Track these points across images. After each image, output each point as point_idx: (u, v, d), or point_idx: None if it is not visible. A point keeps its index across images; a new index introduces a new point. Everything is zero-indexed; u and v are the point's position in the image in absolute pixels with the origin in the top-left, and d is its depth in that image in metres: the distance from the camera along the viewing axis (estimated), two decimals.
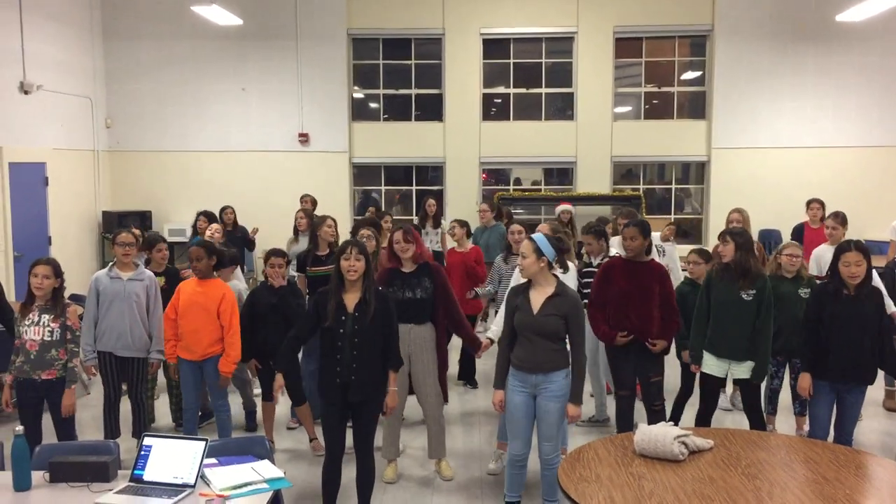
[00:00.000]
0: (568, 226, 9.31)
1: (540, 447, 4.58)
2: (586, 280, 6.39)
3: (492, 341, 5.44)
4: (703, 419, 5.41)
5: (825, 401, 5.01)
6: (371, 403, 4.56)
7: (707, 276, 5.51)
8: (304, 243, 7.99)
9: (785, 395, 6.33)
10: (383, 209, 11.70)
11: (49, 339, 4.91)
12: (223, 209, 9.78)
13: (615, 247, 6.61)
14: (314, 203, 10.07)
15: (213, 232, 7.99)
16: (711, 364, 5.34)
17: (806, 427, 6.47)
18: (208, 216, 9.13)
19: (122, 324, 5.59)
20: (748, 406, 5.42)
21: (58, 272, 5.01)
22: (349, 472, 4.73)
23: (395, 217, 10.38)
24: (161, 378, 6.91)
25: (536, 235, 4.54)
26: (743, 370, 5.29)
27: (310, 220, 8.45)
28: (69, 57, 11.43)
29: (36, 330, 4.89)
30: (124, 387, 5.83)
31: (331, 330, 4.42)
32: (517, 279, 5.41)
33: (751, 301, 5.21)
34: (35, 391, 4.94)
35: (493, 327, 5.56)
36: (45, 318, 4.91)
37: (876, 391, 7.03)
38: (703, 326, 5.36)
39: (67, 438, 4.97)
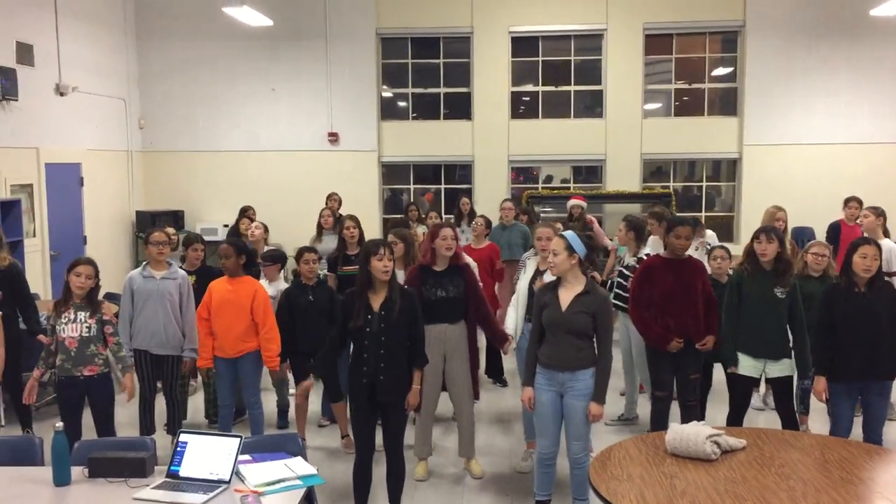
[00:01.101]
0: (578, 221, 9.27)
1: (569, 446, 4.58)
2: (619, 280, 6.37)
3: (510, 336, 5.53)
4: (736, 419, 5.36)
5: (845, 401, 4.93)
6: (399, 403, 4.58)
7: (736, 275, 5.45)
8: (327, 241, 8.05)
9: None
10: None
11: (87, 334, 4.99)
12: (245, 209, 9.86)
13: (649, 246, 6.58)
14: (340, 202, 10.14)
15: (253, 229, 8.05)
16: (747, 365, 5.28)
17: (809, 423, 6.45)
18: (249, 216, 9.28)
19: (155, 322, 5.69)
20: (782, 406, 5.36)
21: (97, 272, 5.11)
22: (380, 471, 4.76)
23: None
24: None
25: (568, 233, 4.53)
26: (779, 369, 5.25)
27: (335, 218, 8.51)
28: (103, 59, 11.61)
29: (74, 327, 4.98)
30: (159, 384, 5.93)
31: (358, 330, 4.46)
32: (526, 276, 5.46)
33: (784, 299, 5.17)
34: (76, 388, 5.03)
35: (508, 322, 5.58)
36: (82, 315, 5.00)
37: None
38: (735, 326, 5.30)
39: (107, 434, 5.06)
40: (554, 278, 4.60)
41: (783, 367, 5.25)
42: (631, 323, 5.96)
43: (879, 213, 7.42)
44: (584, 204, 9.56)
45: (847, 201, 8.27)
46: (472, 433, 5.61)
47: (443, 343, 5.28)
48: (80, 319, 5.00)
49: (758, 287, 5.23)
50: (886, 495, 3.32)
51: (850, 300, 4.81)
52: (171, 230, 7.70)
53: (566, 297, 4.46)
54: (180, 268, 6.10)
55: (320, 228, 8.63)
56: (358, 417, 4.59)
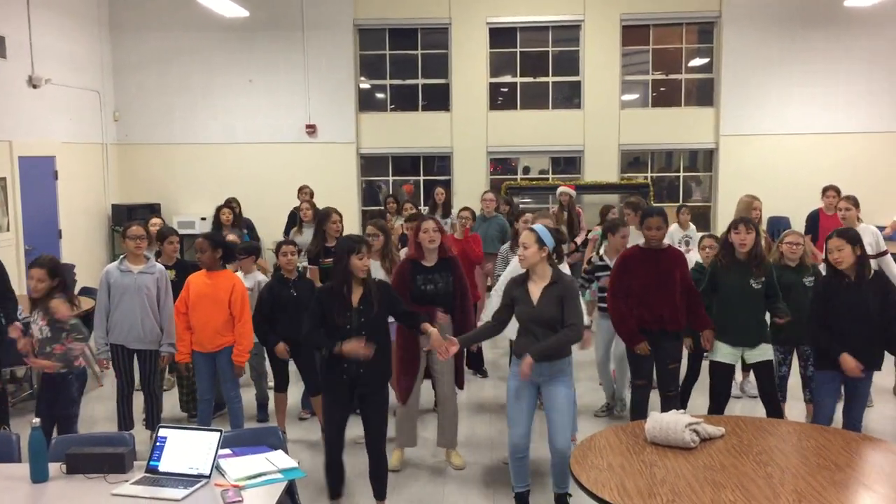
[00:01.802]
0: (566, 209, 9.28)
1: (551, 435, 4.58)
2: (598, 275, 6.39)
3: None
4: (717, 408, 5.41)
5: (831, 388, 4.98)
6: (379, 395, 4.59)
7: (712, 265, 5.51)
8: (307, 234, 8.01)
9: (794, 382, 6.32)
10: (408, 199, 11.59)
11: (41, 336, 4.95)
12: (228, 201, 9.80)
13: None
14: (312, 194, 10.09)
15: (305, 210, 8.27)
16: (725, 352, 5.35)
17: (749, 384, 6.60)
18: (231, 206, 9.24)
19: (132, 316, 5.64)
20: (765, 393, 5.42)
21: (54, 273, 5.00)
22: (357, 464, 4.76)
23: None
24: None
25: (537, 226, 4.58)
26: (758, 353, 5.34)
27: (314, 210, 8.48)
28: (77, 50, 11.46)
29: (36, 328, 4.96)
30: (137, 379, 5.88)
31: (338, 328, 4.44)
32: (515, 269, 5.43)
33: (760, 289, 5.26)
34: (49, 389, 5.00)
35: (483, 315, 5.62)
36: (37, 315, 4.97)
37: (886, 378, 7.04)
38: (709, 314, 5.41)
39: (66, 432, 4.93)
40: (523, 272, 4.63)
41: (762, 352, 5.33)
42: (605, 320, 6.13)
43: (856, 203, 7.51)
44: (572, 192, 9.52)
45: (825, 190, 8.35)
46: (455, 424, 5.62)
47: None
48: (36, 321, 4.97)
49: (733, 278, 5.28)
50: (862, 481, 3.37)
51: (843, 289, 4.84)
52: (157, 220, 7.64)
53: (536, 290, 4.50)
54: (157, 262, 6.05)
55: (300, 222, 8.60)
56: (334, 412, 4.58)
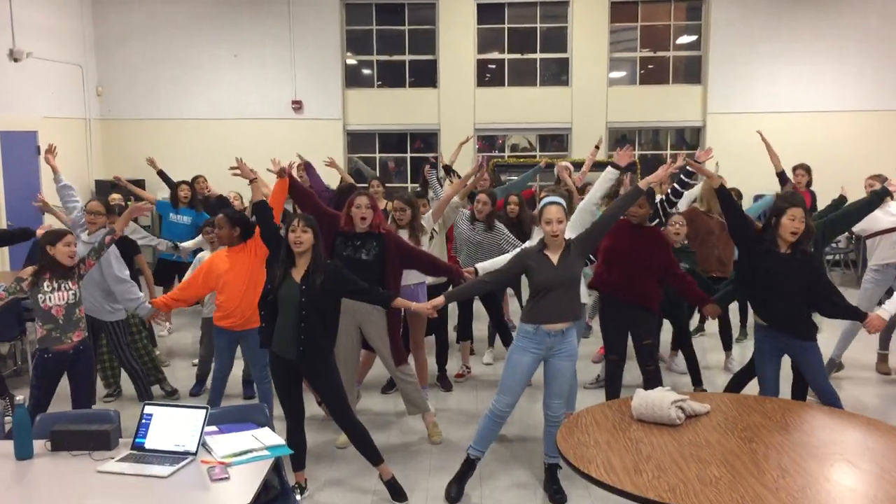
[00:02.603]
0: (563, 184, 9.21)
1: (547, 404, 4.63)
2: None
3: (476, 271, 5.36)
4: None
5: (770, 363, 4.96)
6: (324, 372, 4.55)
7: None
8: None
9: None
10: (377, 176, 11.53)
11: (73, 301, 4.89)
12: (195, 178, 9.64)
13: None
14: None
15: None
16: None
17: (733, 362, 6.84)
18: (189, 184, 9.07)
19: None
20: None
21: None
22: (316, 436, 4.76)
23: (388, 184, 10.28)
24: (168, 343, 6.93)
25: (559, 199, 4.56)
26: None
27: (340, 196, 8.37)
28: (59, 23, 11.29)
29: (60, 295, 4.84)
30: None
31: (276, 301, 4.43)
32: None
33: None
34: (61, 363, 4.92)
35: (481, 266, 5.43)
36: (65, 282, 4.88)
37: (870, 354, 7.11)
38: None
39: (87, 406, 4.95)
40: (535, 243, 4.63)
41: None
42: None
43: (809, 170, 8.12)
44: (571, 167, 9.33)
45: (794, 169, 8.40)
46: (415, 391, 5.55)
47: (352, 314, 5.26)
48: (66, 287, 4.89)
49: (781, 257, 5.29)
50: (846, 456, 3.40)
51: (771, 258, 4.79)
52: (115, 195, 7.53)
53: (554, 256, 4.52)
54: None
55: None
56: (279, 386, 4.60)
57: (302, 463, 4.76)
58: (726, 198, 4.90)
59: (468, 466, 4.77)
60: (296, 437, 4.65)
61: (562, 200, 4.56)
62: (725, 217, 5.02)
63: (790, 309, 4.81)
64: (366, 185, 9.11)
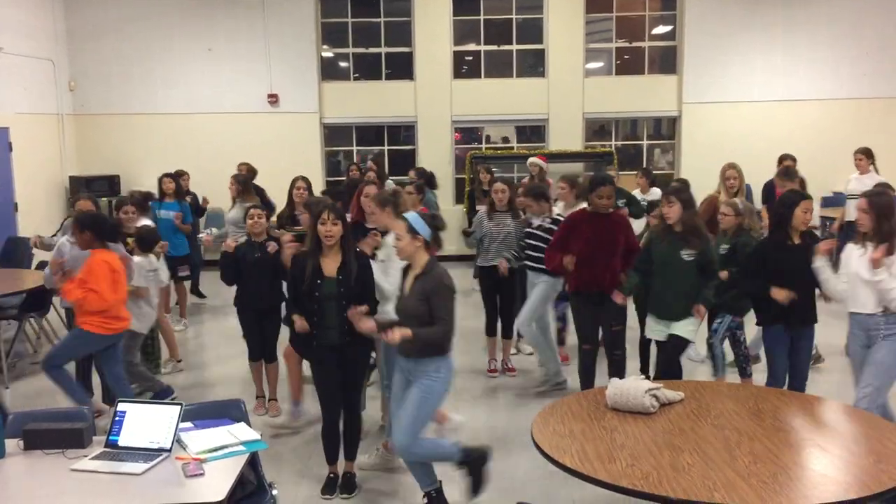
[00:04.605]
0: (537, 180, 9.20)
1: (392, 432, 4.37)
2: (528, 241, 6.39)
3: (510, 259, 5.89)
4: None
5: (781, 350, 5.04)
6: (361, 357, 4.70)
7: (649, 235, 5.60)
8: (237, 210, 7.95)
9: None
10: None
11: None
12: (179, 174, 9.59)
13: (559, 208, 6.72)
14: (250, 170, 9.87)
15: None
16: (653, 328, 5.30)
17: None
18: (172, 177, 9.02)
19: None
20: (665, 363, 5.22)
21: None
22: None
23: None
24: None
25: (409, 215, 4.32)
26: (679, 328, 5.15)
27: (240, 186, 8.32)
28: (29, 18, 11.14)
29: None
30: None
31: (309, 293, 4.44)
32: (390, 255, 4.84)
33: (692, 262, 5.08)
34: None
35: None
36: None
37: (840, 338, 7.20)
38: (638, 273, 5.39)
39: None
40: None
41: (683, 328, 5.14)
42: (539, 281, 6.23)
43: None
44: (542, 163, 9.24)
45: (781, 159, 8.44)
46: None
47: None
48: None
49: (666, 248, 5.18)
50: (817, 442, 3.44)
51: (785, 251, 4.92)
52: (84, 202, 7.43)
53: (410, 280, 4.23)
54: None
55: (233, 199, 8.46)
56: (327, 381, 4.61)
57: (335, 456, 4.77)
58: None
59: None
60: (333, 436, 4.70)
61: (411, 216, 4.27)
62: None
63: (805, 298, 4.89)
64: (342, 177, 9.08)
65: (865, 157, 8.34)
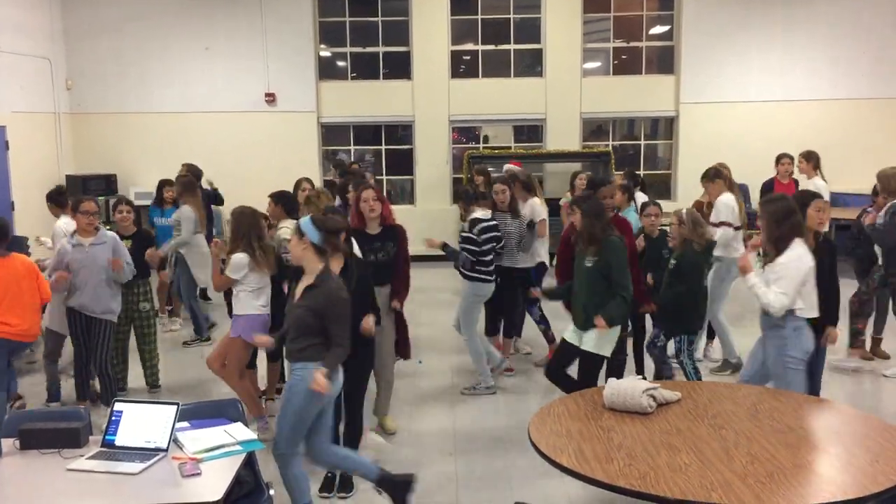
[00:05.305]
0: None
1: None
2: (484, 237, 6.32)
3: None
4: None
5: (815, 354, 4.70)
6: (363, 358, 4.74)
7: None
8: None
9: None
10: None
11: None
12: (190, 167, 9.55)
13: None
14: (191, 170, 9.47)
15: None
16: (570, 333, 5.17)
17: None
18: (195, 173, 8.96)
19: (88, 289, 5.57)
20: (580, 377, 5.06)
21: None
22: None
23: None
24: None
25: (302, 219, 4.14)
26: (585, 340, 5.01)
27: (181, 188, 8.12)
28: (25, 16, 11.11)
29: None
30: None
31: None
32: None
33: (593, 269, 4.93)
34: None
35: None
36: None
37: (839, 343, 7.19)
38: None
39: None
40: None
41: (587, 339, 5.00)
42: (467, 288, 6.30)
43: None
44: (516, 169, 9.14)
45: (779, 158, 8.43)
46: (390, 391, 5.68)
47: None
48: None
49: (577, 256, 5.13)
50: (814, 442, 3.45)
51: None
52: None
53: (301, 287, 4.07)
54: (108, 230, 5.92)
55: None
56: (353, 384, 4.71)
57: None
58: None
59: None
60: (357, 425, 4.85)
61: (302, 220, 4.12)
62: None
63: (828, 299, 4.68)
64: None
65: (806, 160, 8.24)
